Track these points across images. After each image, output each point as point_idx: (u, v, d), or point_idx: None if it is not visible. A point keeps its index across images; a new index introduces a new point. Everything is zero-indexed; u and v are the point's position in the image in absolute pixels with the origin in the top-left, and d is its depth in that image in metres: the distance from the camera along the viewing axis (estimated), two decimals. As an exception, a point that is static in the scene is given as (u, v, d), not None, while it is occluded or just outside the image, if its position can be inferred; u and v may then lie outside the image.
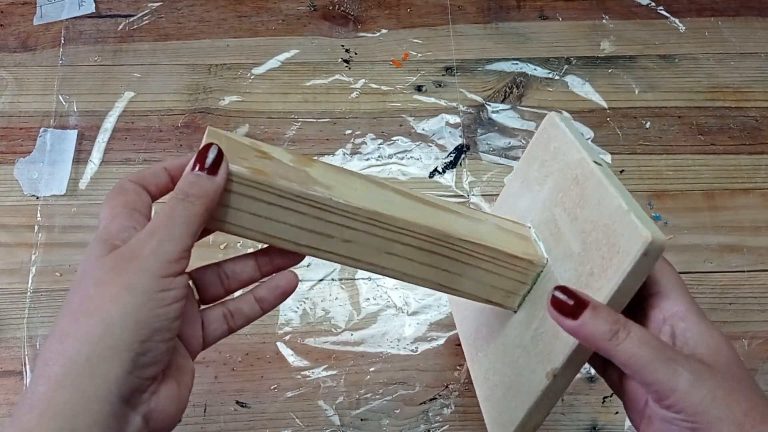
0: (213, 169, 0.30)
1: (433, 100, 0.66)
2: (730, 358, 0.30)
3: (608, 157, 0.63)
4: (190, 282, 0.34)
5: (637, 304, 0.33)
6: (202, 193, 0.30)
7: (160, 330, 0.29)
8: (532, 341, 0.37)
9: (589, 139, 0.64)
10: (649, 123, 0.65)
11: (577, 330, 0.30)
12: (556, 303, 0.30)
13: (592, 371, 0.55)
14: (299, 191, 0.32)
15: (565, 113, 0.65)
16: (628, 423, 0.53)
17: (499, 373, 0.38)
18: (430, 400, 0.54)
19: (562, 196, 0.38)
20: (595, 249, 0.34)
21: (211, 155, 0.30)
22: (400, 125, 0.65)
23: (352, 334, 0.56)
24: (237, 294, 0.36)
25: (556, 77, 0.67)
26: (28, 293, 0.57)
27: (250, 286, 0.36)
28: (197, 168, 0.30)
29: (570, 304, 0.30)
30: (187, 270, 0.31)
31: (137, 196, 0.32)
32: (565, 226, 0.37)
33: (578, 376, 0.44)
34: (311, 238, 0.33)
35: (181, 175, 0.31)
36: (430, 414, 0.53)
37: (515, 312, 0.39)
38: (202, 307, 0.35)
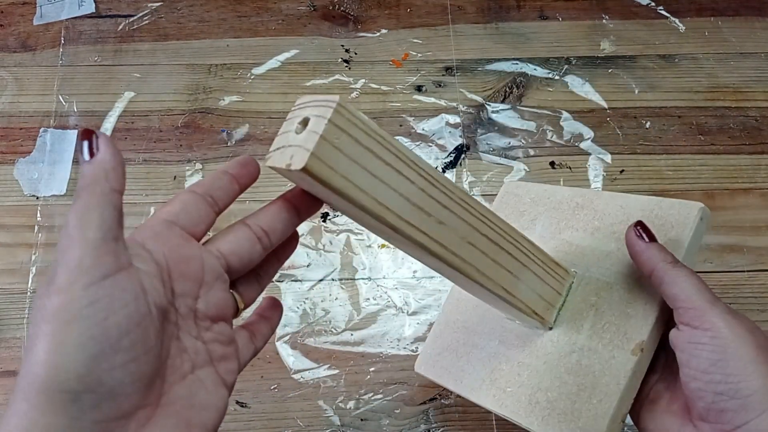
0: (91, 151, 0.26)
1: (433, 100, 0.66)
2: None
3: (608, 157, 0.63)
4: (233, 293, 0.32)
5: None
6: (89, 180, 0.26)
7: (104, 354, 0.24)
8: (593, 338, 0.38)
9: (589, 138, 0.64)
10: (649, 123, 0.65)
11: (646, 250, 0.35)
12: (636, 231, 0.36)
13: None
14: (414, 156, 0.31)
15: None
16: (628, 422, 0.53)
17: (553, 389, 0.38)
18: (430, 400, 0.54)
19: (566, 223, 0.42)
20: None
21: (86, 137, 0.27)
22: (400, 125, 0.65)
23: (352, 334, 0.56)
24: (246, 315, 0.35)
25: (556, 77, 0.67)
26: (28, 293, 0.57)
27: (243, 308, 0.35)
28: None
29: (644, 236, 0.35)
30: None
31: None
32: (585, 240, 0.41)
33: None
34: (413, 214, 0.32)
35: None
36: (430, 414, 0.53)
37: (550, 329, 0.40)
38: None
